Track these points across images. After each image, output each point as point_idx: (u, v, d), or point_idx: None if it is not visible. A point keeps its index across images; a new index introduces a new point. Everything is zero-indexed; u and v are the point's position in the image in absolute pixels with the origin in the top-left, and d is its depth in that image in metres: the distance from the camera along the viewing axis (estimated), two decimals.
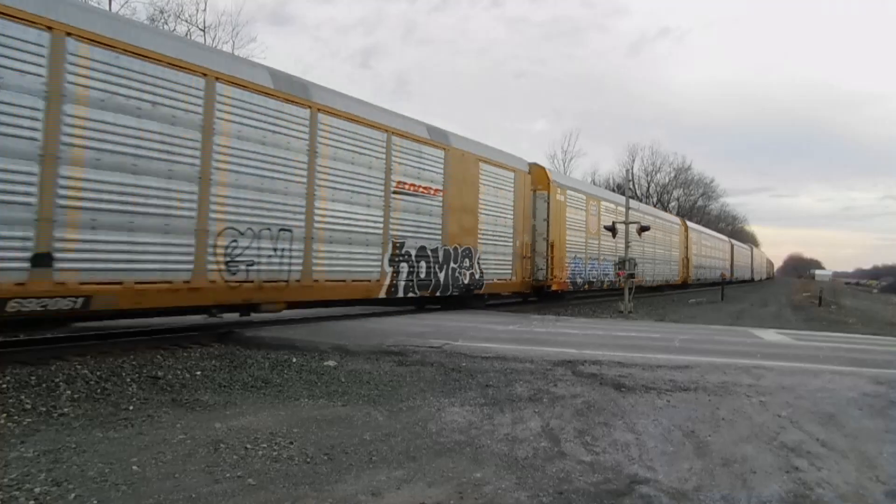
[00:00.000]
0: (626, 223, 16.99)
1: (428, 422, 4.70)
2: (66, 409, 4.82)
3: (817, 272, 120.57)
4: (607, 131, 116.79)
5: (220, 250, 8.24)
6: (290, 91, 9.46)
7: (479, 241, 14.25)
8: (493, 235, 14.87)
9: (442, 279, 12.87)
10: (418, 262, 12.17)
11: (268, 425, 4.49)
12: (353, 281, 10.61)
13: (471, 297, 14.41)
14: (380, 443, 4.16)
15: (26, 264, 6.30)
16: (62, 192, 6.57)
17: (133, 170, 7.21)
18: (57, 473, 3.41)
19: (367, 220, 10.85)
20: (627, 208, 17.39)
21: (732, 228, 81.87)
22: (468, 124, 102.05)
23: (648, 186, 62.99)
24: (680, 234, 33.46)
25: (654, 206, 49.78)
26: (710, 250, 42.81)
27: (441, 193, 12.88)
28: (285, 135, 9.28)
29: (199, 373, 6.29)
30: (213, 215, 8.13)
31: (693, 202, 68.73)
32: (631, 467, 3.78)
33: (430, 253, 12.51)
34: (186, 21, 24.97)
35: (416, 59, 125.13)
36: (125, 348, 7.33)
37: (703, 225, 47.34)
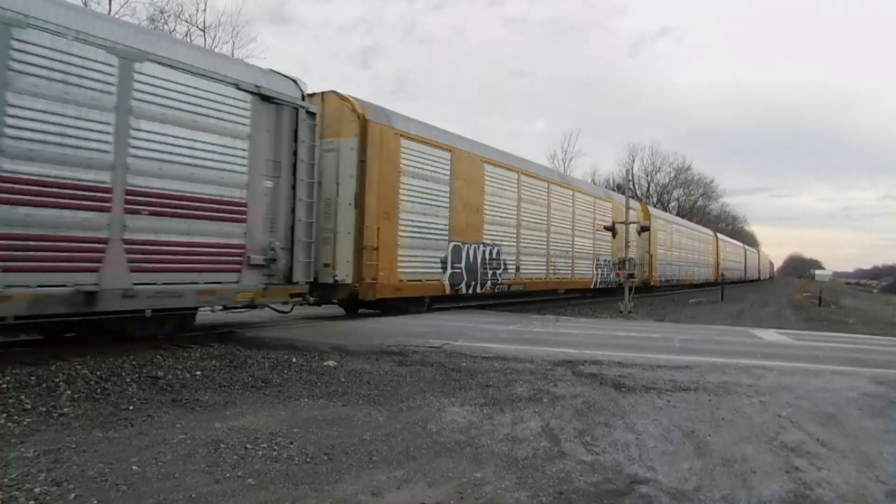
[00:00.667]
0: (626, 223, 17.01)
1: (428, 422, 4.70)
2: (66, 409, 4.82)
3: (817, 272, 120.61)
4: (607, 131, 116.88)
5: (551, 264, 18.21)
6: (562, 181, 20.08)
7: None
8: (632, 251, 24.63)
9: (612, 278, 22.56)
10: (602, 268, 22.12)
11: (268, 425, 4.49)
12: (584, 278, 20.77)
13: (617, 289, 22.97)
14: (380, 443, 4.16)
15: (514, 270, 15.93)
16: (522, 243, 16.43)
17: (537, 228, 17.35)
18: (57, 473, 3.41)
19: (590, 246, 21.08)
20: (627, 208, 17.43)
21: (732, 228, 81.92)
22: (468, 124, 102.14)
23: (648, 186, 63.06)
24: (713, 244, 43.35)
25: (654, 206, 50.11)
26: (732, 255, 53.11)
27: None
28: (565, 206, 19.28)
29: (199, 373, 6.29)
30: (550, 247, 18.07)
31: (693, 202, 68.75)
32: (631, 467, 3.78)
33: (605, 263, 22.35)
34: (186, 21, 24.99)
35: (416, 58, 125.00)
36: (125, 348, 7.33)
37: (704, 225, 49.75)
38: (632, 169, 59.84)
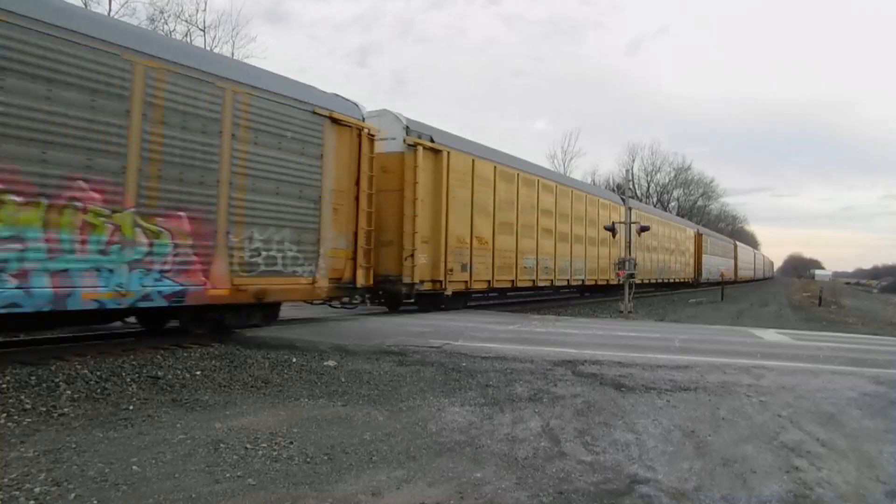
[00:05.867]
0: (627, 223, 17.00)
1: (428, 422, 4.69)
2: (66, 409, 4.82)
3: (817, 272, 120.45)
4: (607, 131, 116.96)
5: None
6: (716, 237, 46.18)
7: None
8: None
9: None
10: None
11: (268, 425, 4.49)
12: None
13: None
14: (380, 443, 4.16)
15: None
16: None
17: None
18: (57, 473, 3.41)
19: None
20: (628, 208, 17.42)
21: (732, 228, 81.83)
22: (468, 124, 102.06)
23: (648, 186, 63.02)
24: (753, 256, 63.29)
25: (654, 206, 50.29)
26: (760, 260, 74.45)
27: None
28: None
29: (199, 373, 6.29)
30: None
31: (693, 202, 68.70)
32: (631, 467, 3.78)
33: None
34: (186, 21, 24.97)
35: (414, 57, 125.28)
36: (125, 348, 7.33)
37: (704, 225, 50.72)
38: (632, 169, 59.87)
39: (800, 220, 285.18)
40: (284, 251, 9.02)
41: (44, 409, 4.80)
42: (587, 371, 6.59)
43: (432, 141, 12.66)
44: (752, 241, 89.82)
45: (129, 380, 5.86)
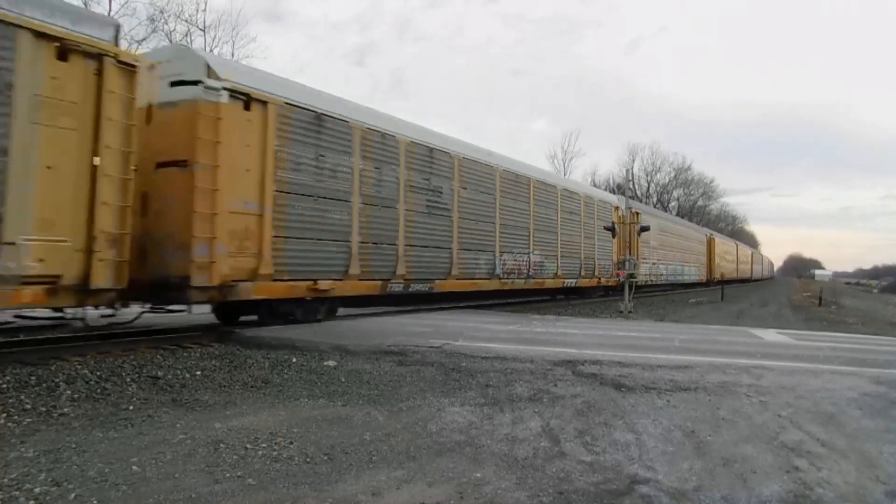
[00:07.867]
0: (629, 223, 17.00)
1: (428, 422, 4.69)
2: (66, 409, 4.82)
3: (817, 272, 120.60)
4: (607, 131, 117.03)
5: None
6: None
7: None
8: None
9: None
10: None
11: (268, 425, 4.49)
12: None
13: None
14: (380, 443, 4.16)
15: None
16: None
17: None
18: (57, 473, 3.41)
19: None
20: (627, 208, 17.42)
21: (732, 228, 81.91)
22: (467, 123, 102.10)
23: (648, 186, 63.08)
24: (764, 259, 70.06)
25: (654, 206, 50.45)
26: (767, 261, 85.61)
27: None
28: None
29: (199, 373, 6.29)
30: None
31: (693, 202, 68.76)
32: (631, 467, 3.78)
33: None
34: (186, 21, 25.00)
35: (413, 56, 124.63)
36: (125, 348, 7.33)
37: (704, 225, 51.53)
38: (632, 169, 59.91)
39: (800, 220, 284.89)
40: None
41: (44, 409, 4.80)
42: (587, 371, 6.59)
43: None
44: (752, 241, 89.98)
45: (129, 380, 5.86)
